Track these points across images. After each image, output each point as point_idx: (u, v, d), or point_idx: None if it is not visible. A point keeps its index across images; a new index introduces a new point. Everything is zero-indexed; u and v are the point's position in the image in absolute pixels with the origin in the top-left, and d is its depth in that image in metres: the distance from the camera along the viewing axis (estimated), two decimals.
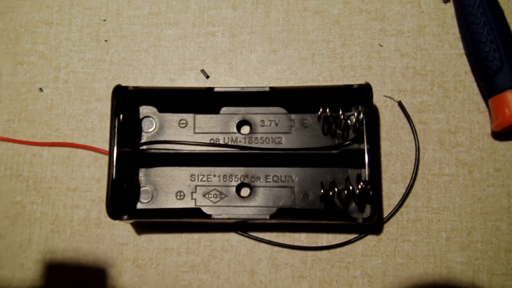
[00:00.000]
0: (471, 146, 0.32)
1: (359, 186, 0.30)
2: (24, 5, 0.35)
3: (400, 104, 0.32)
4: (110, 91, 0.32)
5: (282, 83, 0.33)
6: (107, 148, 0.30)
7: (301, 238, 0.31)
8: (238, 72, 0.34)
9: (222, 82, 0.34)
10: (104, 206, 0.32)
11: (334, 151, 0.31)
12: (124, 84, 0.33)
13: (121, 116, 0.30)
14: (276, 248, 0.31)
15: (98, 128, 0.33)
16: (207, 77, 0.33)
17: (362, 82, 0.32)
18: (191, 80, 0.34)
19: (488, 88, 0.31)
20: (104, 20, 0.34)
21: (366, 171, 0.29)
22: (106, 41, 0.34)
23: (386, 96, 0.32)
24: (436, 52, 0.33)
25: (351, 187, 0.30)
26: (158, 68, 0.34)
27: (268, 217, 0.30)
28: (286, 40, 0.34)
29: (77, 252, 0.33)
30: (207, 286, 0.32)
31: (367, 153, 0.29)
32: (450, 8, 0.33)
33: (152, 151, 0.32)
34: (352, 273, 0.31)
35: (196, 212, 0.32)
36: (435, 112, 0.32)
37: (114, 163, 0.30)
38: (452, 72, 0.32)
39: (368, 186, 0.29)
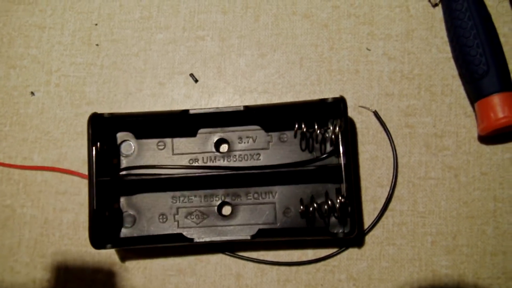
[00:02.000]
0: (457, 150, 0.38)
1: (338, 201, 0.35)
2: (17, 9, 0.43)
3: (375, 113, 0.39)
4: (100, 95, 0.41)
5: (270, 87, 0.40)
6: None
7: (285, 253, 0.37)
8: (226, 76, 0.41)
9: (211, 86, 0.40)
10: None
11: (312, 167, 0.36)
12: (113, 88, 0.41)
13: (98, 144, 0.36)
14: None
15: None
16: (196, 81, 0.40)
17: (350, 86, 0.39)
18: (180, 84, 0.41)
19: (475, 92, 0.37)
20: (96, 25, 0.42)
21: (343, 187, 0.35)
22: (97, 45, 0.41)
23: (362, 107, 0.38)
24: (423, 56, 0.39)
25: (330, 202, 0.36)
26: (147, 72, 0.41)
27: (249, 237, 0.36)
28: (275, 44, 0.40)
29: (66, 255, 0.40)
30: None
31: (344, 168, 0.34)
32: (438, 12, 0.39)
33: (132, 177, 0.37)
34: (337, 276, 0.37)
35: (179, 237, 0.38)
36: (422, 116, 0.38)
37: (94, 193, 0.36)
38: (440, 76, 0.39)
39: (347, 201, 0.35)
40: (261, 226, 0.38)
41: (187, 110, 0.37)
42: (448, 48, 0.39)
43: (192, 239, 0.37)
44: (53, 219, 0.40)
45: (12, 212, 0.41)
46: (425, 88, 0.39)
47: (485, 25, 0.37)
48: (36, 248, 0.40)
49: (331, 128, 0.37)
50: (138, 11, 0.42)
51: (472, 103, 0.38)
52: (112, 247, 0.37)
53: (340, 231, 0.37)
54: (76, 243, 0.40)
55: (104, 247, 0.37)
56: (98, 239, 0.37)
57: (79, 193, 0.40)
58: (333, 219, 0.37)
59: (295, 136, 0.38)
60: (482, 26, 0.37)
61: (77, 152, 0.40)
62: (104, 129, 0.38)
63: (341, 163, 0.35)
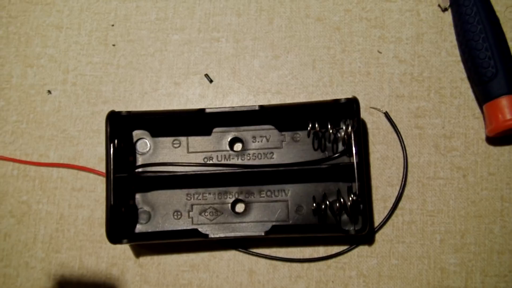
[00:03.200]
0: (465, 151, 0.43)
1: (350, 199, 0.41)
2: (35, 10, 0.48)
3: (386, 114, 0.44)
4: (116, 94, 0.46)
5: (283, 88, 0.46)
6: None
7: (297, 250, 0.43)
8: (240, 76, 0.46)
9: (225, 86, 0.46)
10: None
11: (324, 166, 0.42)
12: (129, 87, 0.46)
13: (115, 141, 0.41)
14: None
15: (104, 130, 0.43)
16: (211, 81, 0.46)
17: (361, 88, 0.45)
18: (195, 84, 0.46)
19: (483, 94, 0.42)
20: (113, 25, 0.48)
21: (356, 185, 0.40)
22: (113, 45, 0.47)
23: (373, 108, 0.44)
24: (433, 59, 0.45)
25: (342, 200, 0.41)
26: (163, 72, 0.47)
27: (263, 234, 0.42)
28: (288, 46, 0.46)
29: (80, 251, 0.45)
30: (206, 285, 0.44)
31: (357, 166, 0.40)
32: (448, 16, 0.45)
33: (148, 174, 0.43)
34: (347, 273, 0.43)
35: (193, 232, 0.43)
36: (431, 117, 0.44)
37: (112, 190, 0.41)
38: (449, 79, 0.44)
39: (359, 199, 0.40)
40: (274, 223, 0.43)
41: (203, 109, 0.42)
42: (457, 52, 0.45)
43: (206, 235, 0.42)
44: (68, 215, 0.46)
45: (28, 208, 0.46)
46: (434, 90, 0.45)
47: (494, 29, 0.43)
48: (52, 244, 0.45)
49: (343, 128, 0.42)
50: (154, 13, 0.48)
51: (481, 105, 0.43)
52: (128, 242, 0.42)
53: (352, 228, 0.41)
54: (91, 239, 0.45)
55: (120, 242, 0.42)
56: (114, 234, 0.42)
57: (94, 189, 0.46)
58: (344, 216, 0.43)
59: (308, 135, 0.43)
60: (491, 30, 0.42)
61: (93, 150, 0.46)
62: (121, 127, 0.43)
63: (353, 162, 0.41)
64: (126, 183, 0.43)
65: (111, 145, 0.42)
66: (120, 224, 0.43)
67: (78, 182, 0.46)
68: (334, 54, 0.46)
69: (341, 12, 0.46)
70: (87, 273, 0.45)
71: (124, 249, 0.45)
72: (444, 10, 0.46)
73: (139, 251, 0.45)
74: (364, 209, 0.41)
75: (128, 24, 0.48)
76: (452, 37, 0.45)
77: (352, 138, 0.41)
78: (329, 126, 0.42)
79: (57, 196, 0.46)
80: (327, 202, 0.42)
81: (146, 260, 0.45)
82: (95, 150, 0.46)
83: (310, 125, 0.43)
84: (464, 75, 0.45)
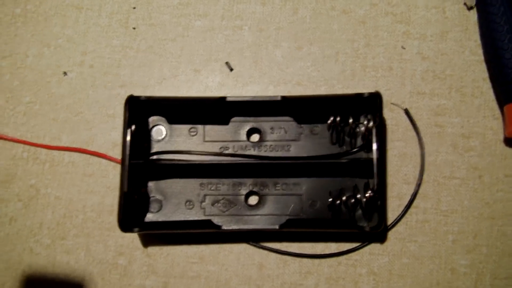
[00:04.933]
0: (483, 151, 0.58)
1: (367, 195, 0.55)
2: None
3: (406, 111, 0.59)
4: (135, 78, 0.60)
5: (304, 79, 0.60)
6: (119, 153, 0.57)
7: (308, 245, 0.58)
8: (262, 66, 0.61)
9: (245, 75, 0.61)
10: (117, 193, 0.57)
11: (342, 160, 0.56)
12: (148, 72, 0.60)
13: (133, 127, 0.56)
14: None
15: (119, 115, 0.59)
16: (231, 69, 0.61)
17: (383, 83, 0.58)
18: (216, 72, 0.61)
19: (505, 95, 0.56)
20: (134, 8, 0.63)
21: (374, 181, 0.54)
22: (134, 28, 0.62)
23: (393, 104, 0.59)
24: (456, 57, 0.59)
25: (358, 196, 0.56)
26: (183, 58, 0.61)
27: (277, 227, 0.56)
28: (312, 38, 0.61)
29: (88, 238, 0.59)
30: (215, 278, 0.58)
31: (376, 162, 0.54)
32: (473, 15, 0.60)
33: (163, 162, 0.57)
34: (358, 271, 0.57)
35: (206, 223, 0.57)
36: (451, 116, 0.59)
37: (127, 176, 0.55)
38: (471, 78, 0.59)
39: (377, 195, 0.54)
40: (288, 217, 0.57)
41: (224, 97, 0.57)
42: (480, 51, 0.59)
43: (219, 226, 0.56)
44: (77, 201, 0.60)
45: (36, 192, 0.61)
46: (455, 89, 0.59)
47: None
48: (58, 230, 0.60)
49: (364, 122, 0.57)
50: None
51: (501, 106, 0.58)
52: (139, 231, 0.56)
53: (366, 225, 0.56)
54: (99, 226, 0.60)
55: (131, 231, 0.56)
56: (126, 222, 0.55)
57: (106, 176, 0.60)
58: (359, 212, 0.57)
59: (328, 129, 0.58)
60: None
61: (107, 135, 0.61)
62: (138, 112, 0.57)
63: (372, 158, 0.55)
64: (140, 170, 0.58)
65: (128, 130, 0.56)
66: (132, 212, 0.56)
67: (90, 167, 0.61)
68: (358, 48, 0.61)
69: (367, 5, 0.62)
70: (93, 262, 0.60)
71: (133, 238, 0.60)
72: (470, 8, 0.60)
73: (147, 241, 0.59)
74: (381, 205, 0.55)
75: (150, 7, 0.63)
76: (477, 36, 0.60)
77: (373, 134, 0.55)
78: (350, 120, 0.57)
79: (67, 181, 0.61)
80: (343, 198, 0.57)
81: (155, 250, 0.59)
82: (109, 135, 0.61)
83: (331, 118, 0.57)
84: (486, 75, 0.59)
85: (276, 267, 0.60)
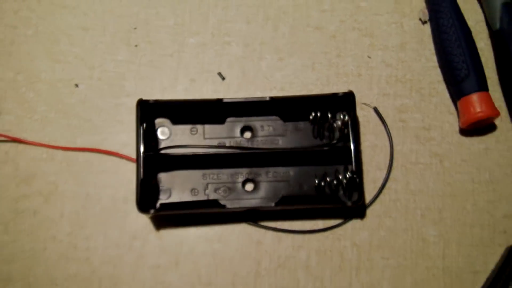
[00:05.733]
0: (442, 141, 0.77)
1: (347, 176, 0.74)
2: (63, 12, 0.82)
3: (375, 109, 0.79)
4: (138, 88, 0.77)
5: (286, 86, 0.79)
6: (131, 151, 0.76)
7: (299, 223, 0.77)
8: (249, 75, 0.80)
9: (235, 83, 0.79)
10: (130, 186, 0.75)
11: (324, 149, 0.75)
12: (149, 83, 0.77)
13: (144, 125, 0.74)
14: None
15: (127, 121, 0.78)
16: (223, 78, 0.79)
17: (354, 87, 0.77)
18: (209, 81, 0.79)
19: (457, 92, 0.76)
20: (135, 28, 0.81)
21: (352, 164, 0.73)
22: (136, 46, 0.80)
23: (364, 104, 0.79)
24: (414, 64, 0.80)
25: (340, 177, 0.75)
26: (180, 70, 0.80)
27: (273, 205, 0.74)
28: (291, 50, 0.80)
29: (105, 226, 0.75)
30: (219, 256, 0.75)
31: (353, 148, 0.74)
32: (427, 28, 0.81)
33: (170, 153, 0.75)
34: (343, 243, 0.75)
35: (213, 203, 0.75)
36: (413, 112, 0.78)
37: (142, 166, 0.73)
38: (428, 81, 0.79)
39: (355, 176, 0.73)
40: (281, 195, 0.76)
41: (221, 99, 0.75)
42: (435, 58, 0.79)
43: (224, 206, 0.74)
44: (93, 194, 0.76)
45: (55, 188, 0.76)
46: (415, 90, 0.79)
47: (467, 37, 0.77)
48: (78, 220, 0.75)
49: (341, 117, 0.75)
50: (173, 19, 0.81)
51: (455, 102, 0.77)
52: (154, 213, 0.72)
53: (348, 201, 0.74)
54: (115, 215, 0.76)
55: (148, 212, 0.72)
56: (143, 204, 0.72)
57: (118, 171, 0.77)
58: (340, 193, 0.75)
59: (311, 123, 0.77)
60: (464, 39, 0.77)
61: (116, 138, 0.78)
62: (146, 114, 0.75)
63: (349, 146, 0.74)
64: (151, 162, 0.74)
65: (141, 127, 0.74)
66: (147, 196, 0.73)
67: (102, 165, 0.78)
68: (330, 58, 0.81)
69: (337, 22, 0.82)
70: (111, 245, 0.75)
71: (146, 224, 0.75)
72: (424, 23, 0.81)
73: (158, 225, 0.75)
74: (360, 183, 0.73)
75: (148, 27, 0.82)
76: (431, 46, 0.80)
77: (349, 126, 0.74)
78: (329, 115, 0.76)
79: (83, 177, 0.77)
80: (327, 179, 0.75)
81: (165, 233, 0.75)
82: (118, 138, 0.78)
83: (312, 114, 0.76)
84: (440, 78, 0.79)
85: (272, 243, 0.77)
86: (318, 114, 0.78)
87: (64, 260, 0.78)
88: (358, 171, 0.75)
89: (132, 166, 0.78)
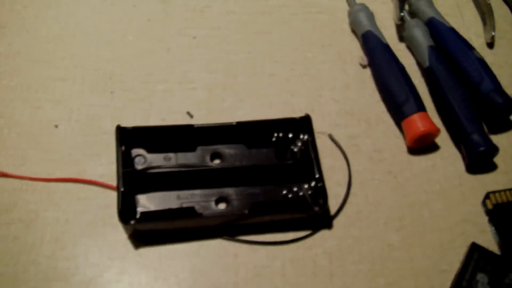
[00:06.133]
0: (392, 160, 0.78)
1: (311, 185, 0.74)
2: (39, 66, 0.83)
3: (330, 136, 0.80)
4: (114, 127, 0.75)
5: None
6: (109, 180, 0.74)
7: (271, 236, 0.74)
8: (214, 113, 0.80)
9: (203, 121, 0.78)
10: (108, 211, 0.73)
11: (288, 162, 0.76)
12: (124, 122, 0.76)
13: (123, 147, 0.73)
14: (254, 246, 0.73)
15: (104, 154, 0.76)
16: (191, 116, 0.78)
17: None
18: (179, 120, 0.78)
19: (400, 115, 0.79)
20: (110, 78, 0.82)
21: (315, 171, 0.74)
22: (111, 92, 0.80)
23: (319, 132, 0.79)
24: (360, 99, 0.82)
25: (306, 186, 0.75)
26: (152, 111, 0.79)
27: (246, 212, 0.72)
28: (250, 93, 0.82)
29: (85, 247, 0.70)
30: (198, 269, 0.71)
31: (315, 158, 0.75)
32: (367, 71, 0.85)
33: (148, 171, 0.74)
34: (314, 251, 0.72)
35: (190, 211, 0.73)
36: (363, 138, 0.79)
37: (122, 179, 0.72)
38: (373, 113, 0.81)
39: (319, 183, 0.73)
40: (254, 202, 0.74)
41: (192, 125, 0.76)
42: (377, 94, 0.83)
43: (201, 214, 0.72)
44: (73, 219, 0.72)
45: (35, 215, 0.72)
46: (363, 120, 0.80)
47: (402, 70, 0.82)
48: (58, 243, 0.70)
49: (300, 137, 0.77)
50: (143, 71, 0.83)
51: (399, 126, 0.79)
52: (135, 223, 0.69)
53: (316, 208, 0.73)
54: (95, 237, 0.71)
55: (128, 223, 0.69)
56: (124, 216, 0.69)
57: (96, 198, 0.73)
58: (308, 201, 0.75)
59: (273, 146, 0.78)
60: (400, 71, 0.82)
61: (94, 169, 0.75)
62: (124, 140, 0.74)
63: (311, 158, 0.75)
64: (130, 180, 0.72)
65: (120, 148, 0.73)
66: (127, 209, 0.71)
67: (82, 193, 0.74)
68: (286, 98, 0.82)
69: (288, 70, 0.84)
70: (92, 265, 0.70)
71: (125, 243, 0.71)
72: (364, 67, 0.85)
73: (137, 244, 0.71)
74: (323, 188, 0.73)
75: (122, 78, 0.83)
76: (372, 85, 0.84)
77: (310, 143, 0.75)
78: (290, 135, 0.77)
79: (63, 205, 0.73)
80: (294, 189, 0.75)
81: (145, 251, 0.70)
82: (96, 169, 0.76)
83: (275, 135, 0.77)
84: (384, 109, 0.82)
85: (247, 254, 0.74)
86: (280, 135, 0.80)
87: (44, 281, 0.73)
88: (321, 178, 0.77)
89: (110, 194, 0.77)
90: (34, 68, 0.87)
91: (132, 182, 0.74)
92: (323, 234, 0.77)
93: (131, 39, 0.89)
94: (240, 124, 0.79)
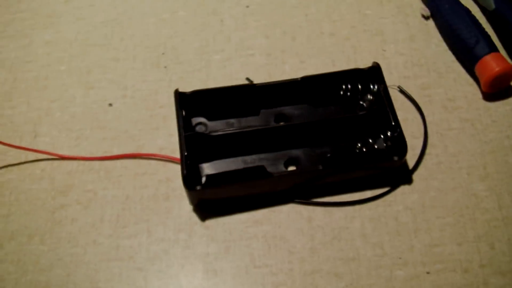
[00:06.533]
0: (469, 107, 0.66)
1: (388, 134, 0.63)
2: (94, 50, 0.73)
3: (400, 87, 0.68)
4: (172, 100, 0.64)
5: None
6: (169, 153, 0.65)
7: (347, 196, 0.63)
8: (275, 77, 0.69)
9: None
10: (171, 184, 0.63)
11: (360, 113, 0.63)
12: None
13: (183, 112, 0.63)
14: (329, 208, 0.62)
15: (162, 127, 0.66)
16: (252, 82, 0.68)
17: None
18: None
19: (472, 58, 0.67)
20: (163, 54, 0.71)
21: (391, 122, 0.62)
22: (165, 67, 0.70)
23: (388, 86, 0.66)
24: (426, 50, 0.70)
25: (382, 136, 0.64)
26: (209, 81, 0.69)
27: (321, 167, 0.61)
28: (310, 53, 0.70)
29: (147, 223, 0.61)
30: (270, 236, 0.60)
31: (389, 107, 0.63)
32: (430, 23, 0.73)
33: (210, 134, 0.63)
34: (395, 208, 0.61)
35: (259, 170, 0.60)
36: (435, 88, 0.67)
37: (184, 143, 0.61)
38: (442, 62, 0.69)
39: (396, 131, 0.62)
40: (328, 155, 0.62)
41: (254, 84, 0.65)
42: (443, 44, 0.71)
43: (271, 174, 0.60)
44: (134, 195, 0.62)
45: (94, 195, 0.62)
46: (432, 70, 0.68)
47: (468, 13, 0.71)
48: (119, 221, 0.61)
49: (370, 88, 0.66)
50: (197, 42, 0.73)
51: (471, 72, 0.68)
52: (201, 189, 0.59)
53: (396, 158, 0.61)
54: (157, 212, 0.61)
55: (194, 189, 0.59)
56: (189, 181, 0.59)
57: (157, 172, 0.63)
58: (385, 151, 0.63)
59: (341, 101, 0.67)
60: (467, 14, 0.71)
61: (153, 143, 0.66)
62: (183, 106, 0.64)
63: (385, 108, 0.63)
64: (193, 144, 0.62)
65: (182, 110, 0.63)
66: (192, 175, 0.61)
67: (141, 168, 0.64)
68: (348, 55, 0.71)
69: (348, 28, 0.73)
70: (155, 241, 0.60)
71: (190, 216, 0.61)
72: (427, 18, 0.73)
73: (203, 216, 0.61)
74: (402, 135, 0.62)
75: (176, 52, 0.72)
76: (437, 35, 0.72)
77: (382, 92, 0.64)
78: (359, 87, 0.66)
79: (122, 182, 0.63)
80: (369, 141, 0.64)
81: (212, 222, 0.61)
82: (155, 143, 0.66)
83: (343, 87, 0.67)
84: (454, 59, 0.70)
85: (323, 217, 0.63)
86: (349, 86, 0.68)
87: (105, 262, 0.62)
88: (398, 125, 0.65)
89: (172, 166, 0.68)
90: (88, 52, 0.78)
91: (195, 147, 0.63)
92: (403, 189, 0.65)
93: (183, 14, 0.78)
94: (305, 79, 0.67)
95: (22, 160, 0.68)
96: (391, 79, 0.70)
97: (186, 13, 0.78)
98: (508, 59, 0.71)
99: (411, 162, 0.66)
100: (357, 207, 0.64)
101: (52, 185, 0.66)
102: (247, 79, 0.70)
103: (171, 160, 0.67)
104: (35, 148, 0.68)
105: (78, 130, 0.69)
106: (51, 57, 0.76)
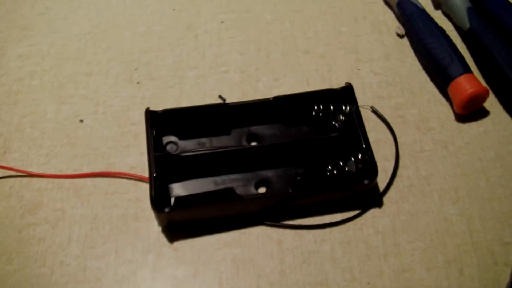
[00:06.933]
0: (442, 129, 0.60)
1: (358, 157, 0.57)
2: (67, 64, 0.66)
3: (372, 108, 0.62)
4: (143, 117, 0.58)
5: None
6: (139, 172, 0.58)
7: (317, 219, 0.57)
8: (249, 95, 0.63)
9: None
10: (140, 204, 0.57)
11: (332, 135, 0.58)
12: (155, 109, 0.60)
13: (153, 131, 0.57)
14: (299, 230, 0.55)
15: (133, 145, 0.60)
16: (224, 100, 0.62)
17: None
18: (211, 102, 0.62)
19: (446, 79, 0.61)
20: (136, 69, 0.65)
21: (362, 142, 0.56)
22: (138, 83, 0.64)
23: (360, 106, 0.60)
24: (400, 69, 0.64)
25: (352, 158, 0.58)
26: (183, 98, 0.62)
27: (290, 191, 0.55)
28: (285, 71, 0.64)
29: (116, 243, 0.55)
30: (239, 259, 0.54)
31: (361, 130, 0.57)
32: (405, 41, 0.67)
33: (180, 155, 0.57)
34: (365, 232, 0.55)
35: (229, 193, 0.55)
36: (408, 108, 0.61)
37: (153, 164, 0.55)
38: (416, 81, 0.63)
39: (368, 154, 0.56)
40: (297, 178, 0.56)
41: (226, 103, 0.59)
42: (417, 63, 0.65)
43: (241, 196, 0.54)
44: (102, 215, 0.56)
45: (62, 214, 0.56)
46: (406, 90, 0.63)
47: (442, 33, 0.65)
48: (87, 241, 0.55)
49: (343, 109, 0.60)
50: (171, 58, 0.66)
51: (445, 92, 0.62)
52: (169, 211, 0.53)
53: (366, 181, 0.56)
54: (126, 232, 0.55)
55: (162, 211, 0.53)
56: (157, 203, 0.53)
57: (127, 192, 0.57)
58: (355, 175, 0.57)
59: (313, 121, 0.60)
60: (441, 34, 0.65)
61: (123, 161, 0.59)
62: (154, 125, 0.58)
63: (357, 130, 0.58)
64: (162, 165, 0.56)
65: (152, 130, 0.58)
66: (161, 196, 0.55)
67: (111, 187, 0.58)
68: (322, 74, 0.65)
69: (323, 46, 0.67)
70: (124, 263, 0.55)
71: (158, 237, 0.55)
72: (402, 37, 0.67)
73: (173, 237, 0.55)
74: (373, 158, 0.56)
75: (149, 67, 0.66)
76: (412, 54, 0.66)
77: (354, 114, 0.59)
78: (331, 107, 0.60)
79: (91, 201, 0.57)
80: (340, 163, 0.58)
81: (181, 244, 0.55)
82: (125, 161, 0.60)
83: (315, 108, 0.60)
84: (427, 78, 0.64)
85: (293, 240, 0.56)
86: (321, 107, 0.62)
87: (72, 283, 0.56)
88: (368, 148, 0.59)
89: (142, 186, 0.61)
90: (61, 66, 0.72)
91: (165, 168, 0.57)
92: (373, 212, 0.59)
93: (158, 29, 0.71)
94: (277, 99, 0.61)
95: None
96: (365, 99, 0.64)
97: (161, 28, 0.72)
98: (482, 81, 0.65)
99: (382, 185, 0.60)
100: (327, 230, 0.58)
101: (21, 203, 0.60)
102: (220, 97, 0.64)
103: (141, 179, 0.60)
104: (4, 164, 0.61)
105: (48, 146, 0.63)
106: (23, 71, 0.69)
